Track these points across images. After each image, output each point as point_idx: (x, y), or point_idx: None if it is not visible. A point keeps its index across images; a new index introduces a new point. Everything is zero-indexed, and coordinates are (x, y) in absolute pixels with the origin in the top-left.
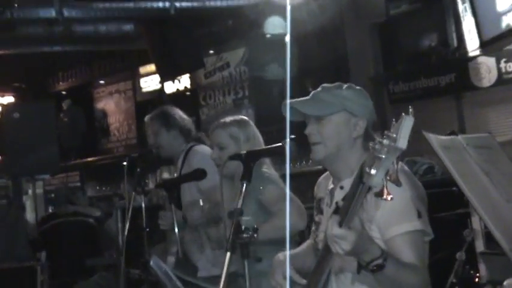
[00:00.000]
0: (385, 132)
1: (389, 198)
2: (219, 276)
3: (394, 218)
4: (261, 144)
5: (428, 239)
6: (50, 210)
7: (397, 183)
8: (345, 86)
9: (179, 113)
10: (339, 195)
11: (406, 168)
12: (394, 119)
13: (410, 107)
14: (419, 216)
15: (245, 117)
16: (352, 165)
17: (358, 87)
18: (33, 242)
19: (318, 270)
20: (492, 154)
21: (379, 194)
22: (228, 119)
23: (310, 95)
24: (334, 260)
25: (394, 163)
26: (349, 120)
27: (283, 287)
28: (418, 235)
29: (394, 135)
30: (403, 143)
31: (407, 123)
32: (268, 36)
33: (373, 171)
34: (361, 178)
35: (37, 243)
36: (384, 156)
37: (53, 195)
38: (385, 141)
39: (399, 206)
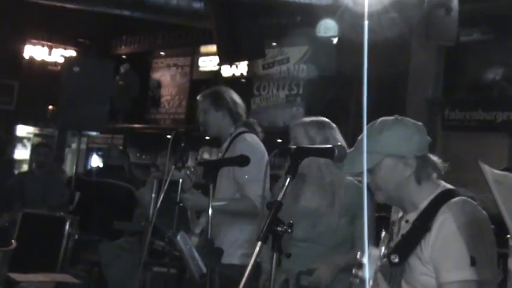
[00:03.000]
0: None
1: None
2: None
3: (444, 263)
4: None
5: (492, 284)
6: (90, 167)
7: None
8: (386, 127)
9: (232, 96)
10: (404, 228)
11: (470, 201)
12: None
13: None
14: (473, 263)
15: (327, 120)
16: (414, 199)
17: (399, 119)
18: (68, 194)
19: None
20: None
21: None
22: (309, 119)
23: (355, 144)
24: None
25: None
26: (397, 164)
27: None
28: (468, 285)
29: None
30: None
31: None
32: (323, 37)
33: None
34: None
35: (71, 196)
36: None
37: (100, 152)
38: None
39: (450, 251)
